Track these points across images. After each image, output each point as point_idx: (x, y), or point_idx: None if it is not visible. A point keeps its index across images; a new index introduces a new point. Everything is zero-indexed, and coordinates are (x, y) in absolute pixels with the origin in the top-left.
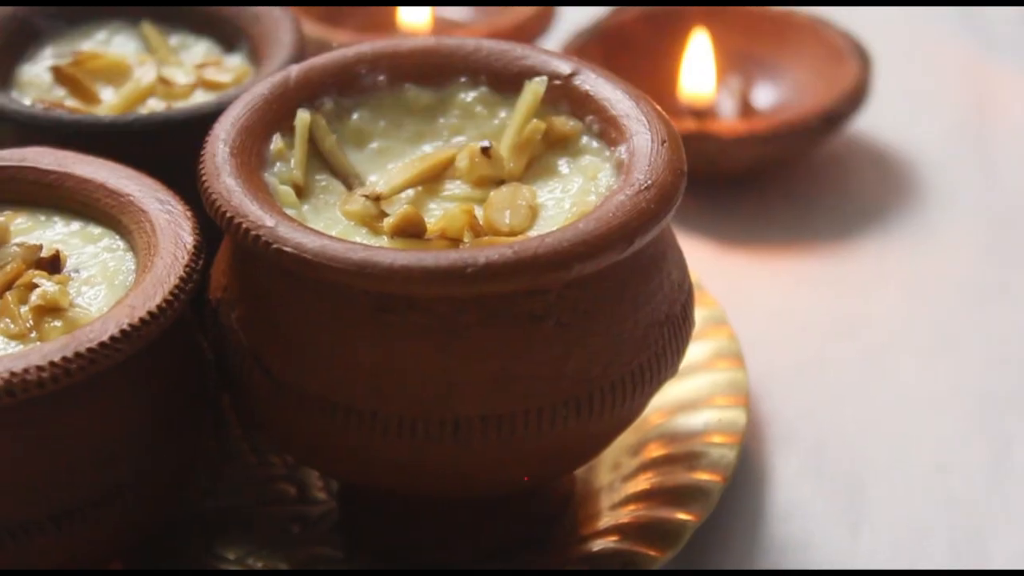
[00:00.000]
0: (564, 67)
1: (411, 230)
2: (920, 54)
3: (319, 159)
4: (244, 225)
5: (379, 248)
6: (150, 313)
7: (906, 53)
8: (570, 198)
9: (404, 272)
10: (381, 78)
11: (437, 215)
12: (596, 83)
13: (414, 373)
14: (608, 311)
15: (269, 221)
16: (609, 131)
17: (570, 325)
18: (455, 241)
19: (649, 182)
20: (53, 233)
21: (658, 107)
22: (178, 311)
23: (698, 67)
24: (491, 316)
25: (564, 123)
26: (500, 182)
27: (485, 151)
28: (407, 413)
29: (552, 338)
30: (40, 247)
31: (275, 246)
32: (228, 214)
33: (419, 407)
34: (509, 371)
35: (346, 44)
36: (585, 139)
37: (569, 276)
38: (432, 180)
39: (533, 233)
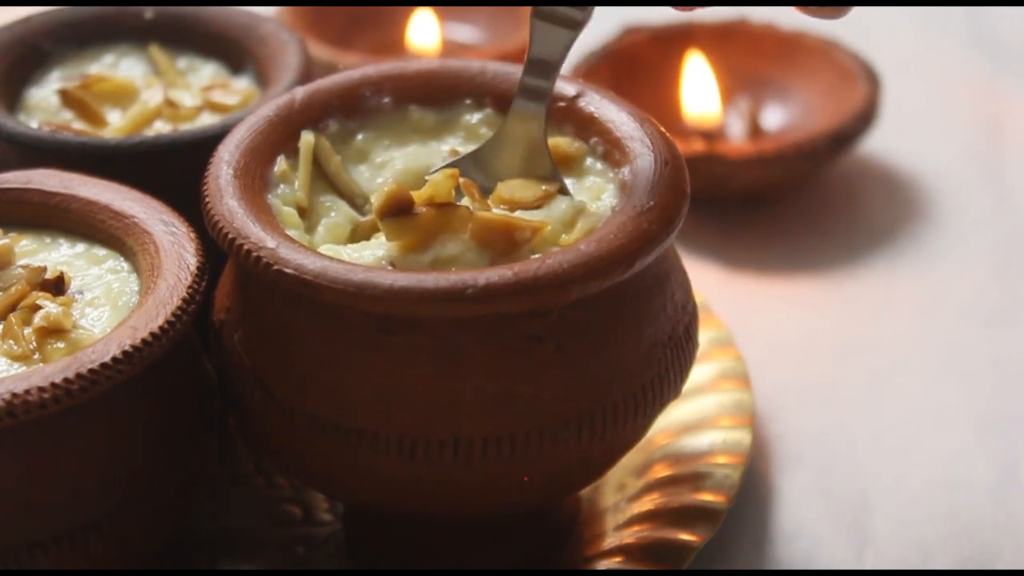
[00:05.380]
0: (569, 89)
1: (399, 207)
2: (930, 75)
3: (323, 181)
4: (245, 247)
5: (380, 269)
6: (152, 334)
7: (916, 74)
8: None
9: (404, 293)
10: (386, 100)
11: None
12: (600, 105)
13: (415, 393)
14: (610, 332)
15: (270, 243)
16: (613, 153)
17: (571, 346)
18: (445, 206)
19: (651, 204)
20: (58, 255)
21: (662, 129)
22: (180, 332)
23: (697, 88)
24: (492, 337)
25: (569, 144)
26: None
27: None
28: (408, 433)
29: (554, 359)
30: (44, 269)
31: (276, 267)
32: (230, 235)
33: (420, 427)
34: (511, 392)
35: (353, 67)
36: (589, 160)
37: (570, 297)
38: None
39: (539, 215)
